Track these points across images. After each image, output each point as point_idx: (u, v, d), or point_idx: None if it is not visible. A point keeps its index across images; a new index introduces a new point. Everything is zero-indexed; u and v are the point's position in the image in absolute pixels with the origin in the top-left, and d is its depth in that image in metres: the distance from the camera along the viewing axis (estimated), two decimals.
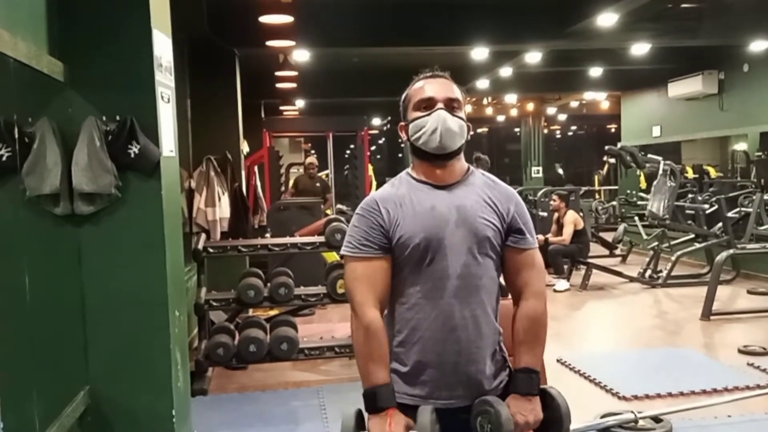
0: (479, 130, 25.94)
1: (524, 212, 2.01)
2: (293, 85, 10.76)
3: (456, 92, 1.97)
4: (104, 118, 2.88)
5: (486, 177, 2.03)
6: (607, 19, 6.95)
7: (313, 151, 16.51)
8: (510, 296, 2.04)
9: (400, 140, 21.46)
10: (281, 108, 14.48)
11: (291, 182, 10.61)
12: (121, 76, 2.93)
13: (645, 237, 10.34)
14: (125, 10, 2.93)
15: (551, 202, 9.44)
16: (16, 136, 2.64)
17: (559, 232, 8.97)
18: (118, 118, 2.88)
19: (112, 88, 2.92)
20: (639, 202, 11.78)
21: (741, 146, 11.67)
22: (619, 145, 10.91)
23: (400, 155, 22.28)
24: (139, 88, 2.93)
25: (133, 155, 2.86)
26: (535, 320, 1.96)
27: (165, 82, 3.07)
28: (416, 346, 1.91)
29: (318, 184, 9.88)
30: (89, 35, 2.91)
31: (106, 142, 2.84)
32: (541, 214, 10.50)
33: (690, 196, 10.20)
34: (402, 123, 2.02)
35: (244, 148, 8.31)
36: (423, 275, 1.90)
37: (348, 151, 15.26)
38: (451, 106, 1.94)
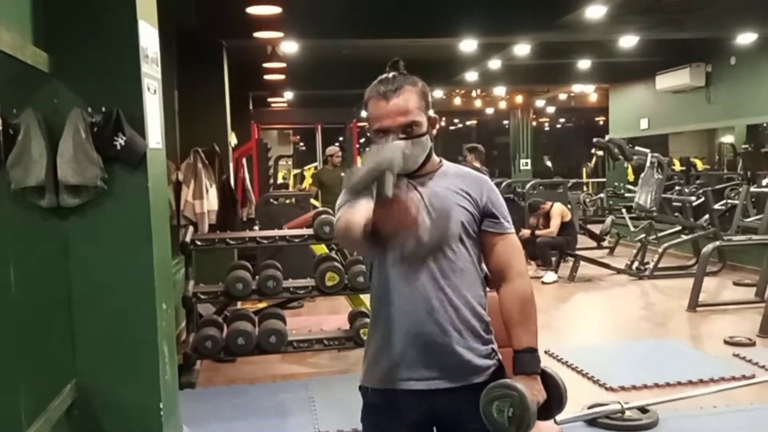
0: (468, 123, 25.98)
1: (498, 198, 2.01)
2: (282, 76, 10.72)
3: (411, 107, 1.88)
4: (90, 110, 2.84)
5: (457, 168, 2.04)
6: (595, 12, 6.95)
7: (338, 144, 16.31)
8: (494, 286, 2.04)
9: None
10: (270, 100, 14.42)
11: (308, 180, 10.12)
12: (107, 68, 2.89)
13: (632, 229, 10.39)
14: (111, 0, 2.90)
15: (539, 211, 9.20)
16: (0, 127, 2.61)
17: (547, 224, 8.99)
18: (103, 109, 2.84)
19: (97, 80, 2.88)
20: (626, 195, 11.84)
21: (728, 139, 11.73)
22: (607, 137, 10.96)
23: None
24: (125, 79, 2.90)
25: (119, 147, 2.83)
26: (526, 299, 1.97)
27: (151, 73, 3.04)
28: (396, 328, 1.92)
29: (343, 174, 9.75)
30: (74, 26, 2.87)
31: (92, 133, 2.81)
32: None
33: (677, 188, 10.26)
34: (367, 127, 2.00)
35: (232, 140, 8.26)
36: (398, 258, 1.89)
37: (337, 143, 15.25)
38: (408, 130, 1.88)
